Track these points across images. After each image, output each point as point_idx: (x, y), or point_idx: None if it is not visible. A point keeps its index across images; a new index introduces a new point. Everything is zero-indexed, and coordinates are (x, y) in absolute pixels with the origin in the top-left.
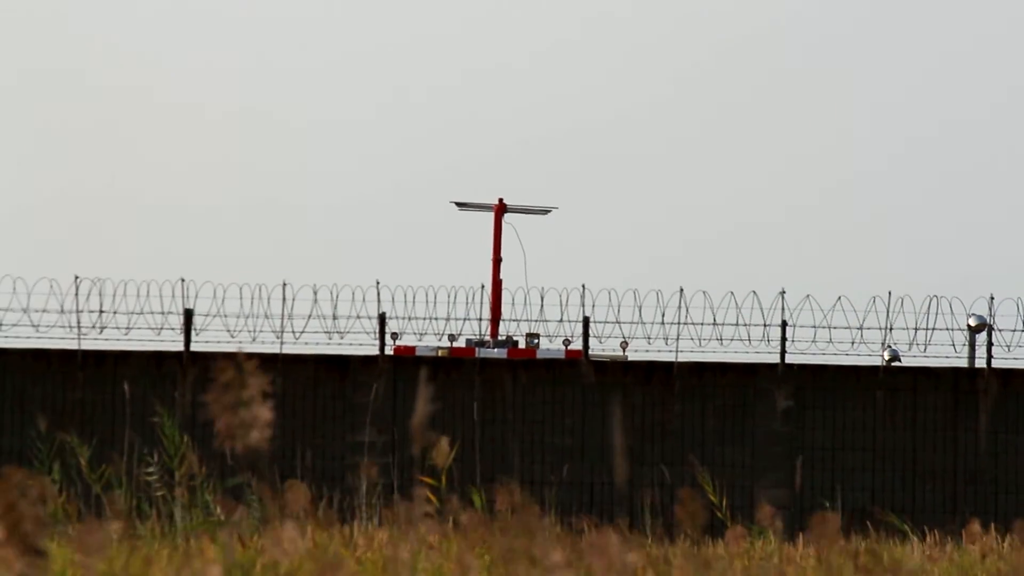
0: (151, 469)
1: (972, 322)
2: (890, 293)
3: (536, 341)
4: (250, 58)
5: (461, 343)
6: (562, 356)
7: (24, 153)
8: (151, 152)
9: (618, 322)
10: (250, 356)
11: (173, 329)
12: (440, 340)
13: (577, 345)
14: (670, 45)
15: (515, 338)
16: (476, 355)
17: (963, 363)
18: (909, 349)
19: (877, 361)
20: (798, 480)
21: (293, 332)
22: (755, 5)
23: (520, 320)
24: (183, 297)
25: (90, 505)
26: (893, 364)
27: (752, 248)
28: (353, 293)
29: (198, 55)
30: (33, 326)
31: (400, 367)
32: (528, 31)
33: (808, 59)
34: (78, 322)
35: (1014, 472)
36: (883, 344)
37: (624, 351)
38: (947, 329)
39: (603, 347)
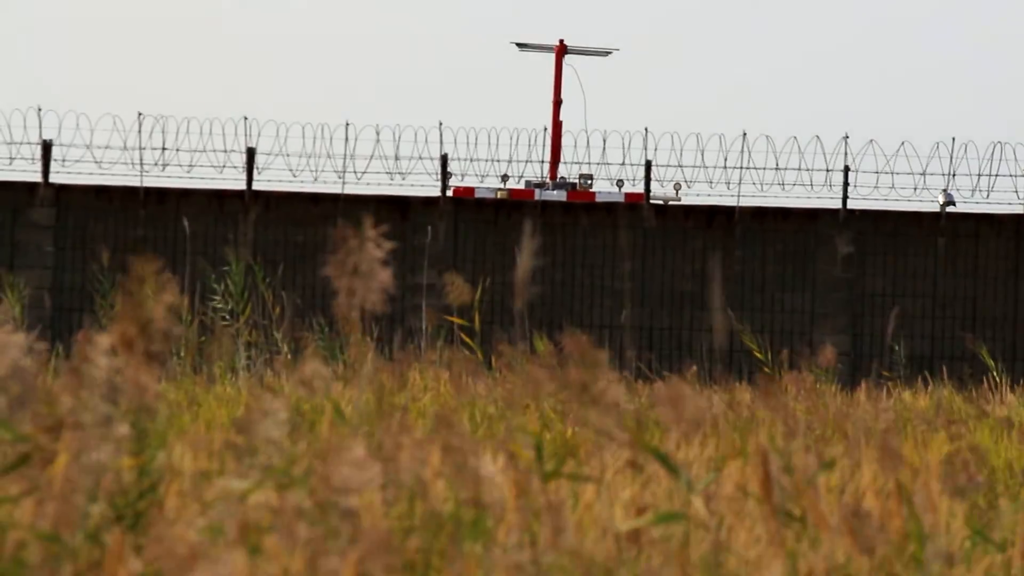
0: (217, 301)
1: None
2: (953, 139)
3: (590, 182)
4: None
5: (516, 184)
6: (622, 199)
7: None
8: None
9: (680, 166)
10: (313, 196)
11: (235, 167)
12: (504, 181)
13: (635, 188)
14: None
15: (572, 180)
16: (535, 197)
17: None
18: (972, 195)
19: (938, 208)
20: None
21: (355, 172)
22: None
23: (581, 163)
24: (246, 136)
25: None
26: (949, 208)
27: (816, 92)
28: (415, 134)
29: None
30: (96, 162)
31: (461, 208)
32: None
33: None
34: (140, 159)
35: None
36: (944, 190)
37: (677, 193)
38: (1011, 176)
39: (664, 191)
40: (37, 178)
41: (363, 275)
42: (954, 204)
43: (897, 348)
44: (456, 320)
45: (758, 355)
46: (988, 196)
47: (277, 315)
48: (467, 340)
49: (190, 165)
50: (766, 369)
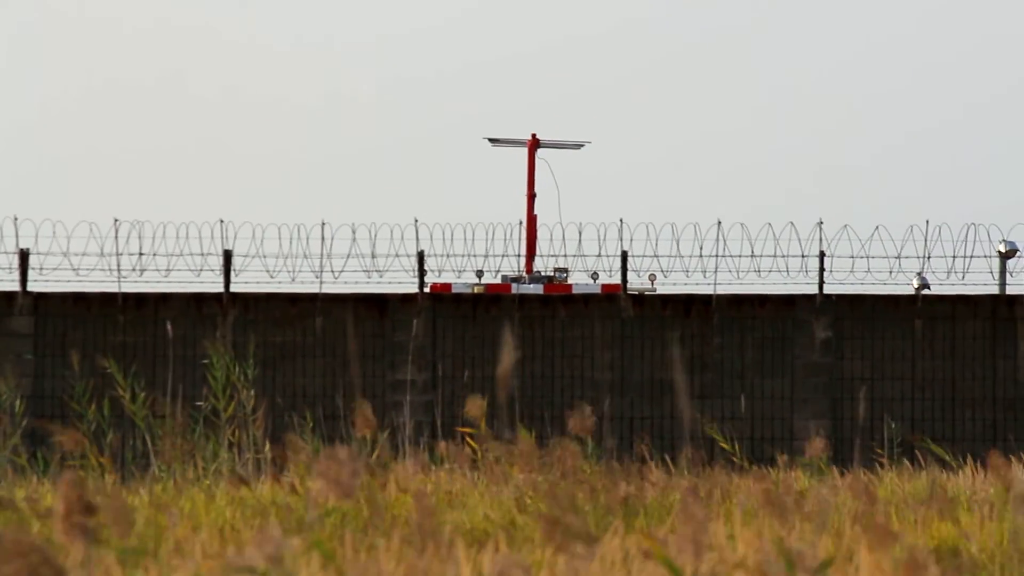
0: (200, 403)
1: (1003, 248)
2: (927, 222)
3: (565, 275)
4: None
5: (492, 279)
6: (598, 291)
7: (62, 97)
8: (189, 89)
9: (656, 256)
10: (291, 296)
11: (213, 270)
12: (479, 277)
13: (610, 279)
14: None
15: (547, 274)
16: (512, 291)
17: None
18: (947, 277)
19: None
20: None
21: (332, 271)
22: None
23: (557, 255)
24: (222, 238)
25: (135, 444)
26: (924, 291)
27: (789, 178)
28: (391, 231)
29: None
30: (73, 269)
31: (439, 304)
32: None
33: None
34: (118, 265)
35: None
36: (918, 273)
37: (653, 284)
38: (985, 256)
39: (640, 281)
40: (15, 287)
41: None
42: (928, 287)
43: (894, 425)
44: (465, 430)
45: (724, 446)
46: (963, 278)
47: (259, 413)
48: (470, 443)
49: (167, 269)
50: (735, 459)
